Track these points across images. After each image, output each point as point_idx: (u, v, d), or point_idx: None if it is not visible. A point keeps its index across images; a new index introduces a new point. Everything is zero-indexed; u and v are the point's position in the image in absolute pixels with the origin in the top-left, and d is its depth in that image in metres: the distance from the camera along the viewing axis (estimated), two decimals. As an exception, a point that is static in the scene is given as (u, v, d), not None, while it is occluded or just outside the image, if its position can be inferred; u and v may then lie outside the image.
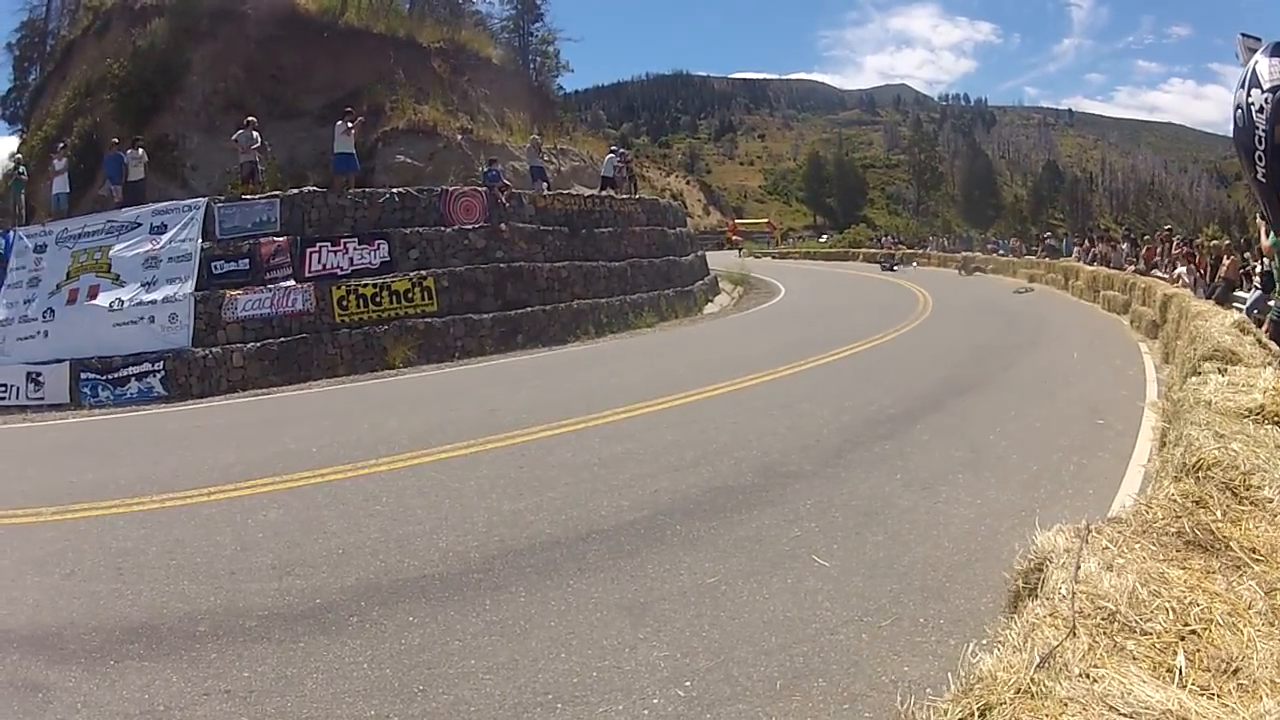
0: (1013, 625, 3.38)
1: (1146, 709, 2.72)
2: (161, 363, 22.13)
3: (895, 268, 65.00)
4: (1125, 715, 2.70)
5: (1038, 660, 2.98)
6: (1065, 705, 2.74)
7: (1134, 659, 3.08)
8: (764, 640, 6.03)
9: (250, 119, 28.78)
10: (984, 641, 3.32)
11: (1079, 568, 3.74)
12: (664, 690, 5.40)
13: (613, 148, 45.10)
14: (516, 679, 5.63)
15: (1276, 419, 6.82)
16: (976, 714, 2.78)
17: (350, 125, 28.32)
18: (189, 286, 23.28)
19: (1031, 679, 2.86)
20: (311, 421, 15.58)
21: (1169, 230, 40.75)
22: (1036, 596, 3.75)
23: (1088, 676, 2.91)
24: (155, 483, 10.98)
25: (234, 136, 28.14)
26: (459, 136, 40.84)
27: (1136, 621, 3.34)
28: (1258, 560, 4.00)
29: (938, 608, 6.46)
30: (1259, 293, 18.71)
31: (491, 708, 5.39)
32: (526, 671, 5.72)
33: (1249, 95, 3.83)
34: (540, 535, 8.36)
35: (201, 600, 7.16)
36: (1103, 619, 3.35)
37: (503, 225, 28.42)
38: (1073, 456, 10.84)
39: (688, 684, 5.48)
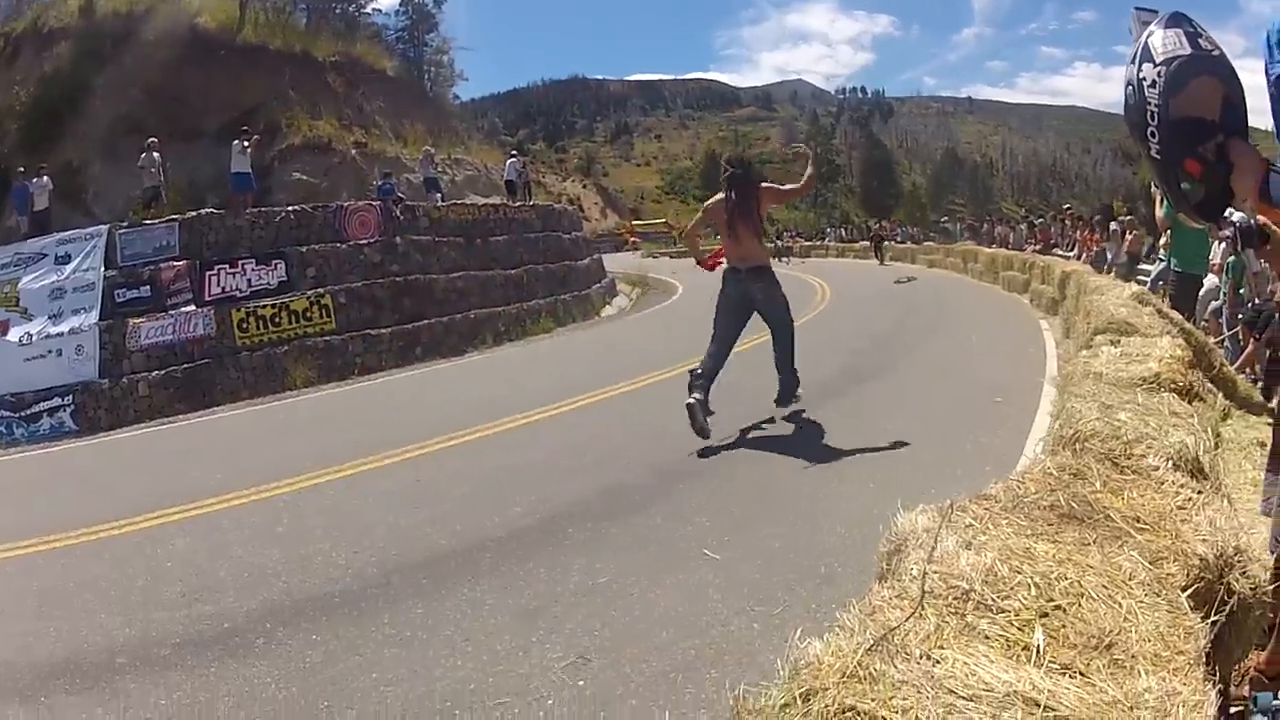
0: (852, 609, 3.21)
1: (989, 690, 2.57)
2: (71, 396, 22.12)
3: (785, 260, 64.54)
4: (965, 698, 2.55)
5: (869, 643, 2.84)
6: (898, 688, 2.61)
7: (986, 639, 2.92)
8: (656, 636, 6.15)
9: (152, 140, 28.62)
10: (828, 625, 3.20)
11: (935, 547, 3.60)
12: (558, 690, 5.51)
13: (511, 153, 45.35)
14: (416, 689, 5.74)
15: (1174, 386, 6.98)
16: (798, 700, 2.66)
17: (247, 144, 28.34)
18: (93, 317, 23.31)
19: (859, 662, 2.73)
20: (215, 448, 15.56)
21: (1068, 209, 41.36)
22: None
23: (929, 658, 2.77)
24: (71, 519, 10.90)
25: (139, 161, 28.00)
26: (353, 151, 40.85)
27: (993, 600, 3.15)
28: (1141, 529, 3.87)
29: (830, 592, 6.55)
30: (1162, 264, 19.09)
31: (394, 719, 5.53)
32: (425, 681, 5.82)
33: (1140, 70, 3.88)
34: (435, 547, 8.46)
35: (118, 633, 7.20)
36: (955, 598, 3.17)
37: (398, 239, 28.52)
38: (970, 435, 11.02)
39: (581, 683, 5.58)
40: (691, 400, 11.29)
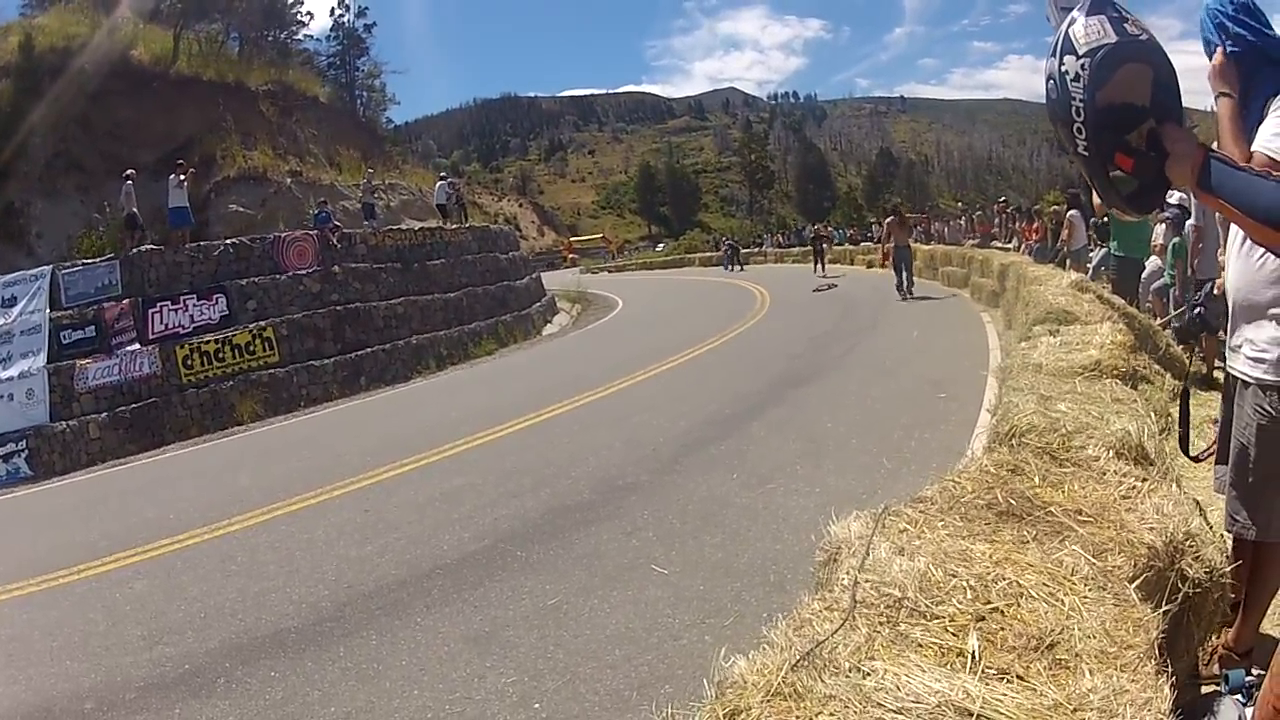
0: (779, 624, 3.26)
1: (918, 702, 2.58)
2: (24, 441, 21.79)
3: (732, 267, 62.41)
4: (894, 710, 2.57)
5: (795, 659, 2.86)
6: (825, 704, 2.64)
7: (919, 647, 2.93)
8: (608, 654, 6.23)
9: (130, 171, 28.41)
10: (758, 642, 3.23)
11: (867, 555, 3.60)
12: (514, 714, 5.61)
13: (442, 175, 45.22)
14: (375, 721, 5.83)
15: (1116, 372, 7.07)
16: (722, 721, 2.66)
17: (183, 178, 28.05)
18: (41, 359, 23.15)
19: (784, 679, 2.76)
20: (167, 487, 15.48)
21: (1003, 201, 41.75)
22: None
23: (858, 670, 2.78)
24: (32, 565, 10.97)
25: (122, 191, 27.84)
26: (289, 180, 40.67)
27: (927, 606, 3.15)
28: (1084, 522, 3.89)
29: (780, 599, 6.47)
30: (1104, 250, 19.23)
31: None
32: (384, 713, 5.90)
33: (1061, 63, 3.75)
34: (387, 577, 8.54)
35: (84, 678, 7.26)
36: (887, 607, 3.18)
37: (336, 267, 28.43)
38: (915, 433, 11.14)
39: (536, 706, 5.68)
40: (900, 297, 27.83)
